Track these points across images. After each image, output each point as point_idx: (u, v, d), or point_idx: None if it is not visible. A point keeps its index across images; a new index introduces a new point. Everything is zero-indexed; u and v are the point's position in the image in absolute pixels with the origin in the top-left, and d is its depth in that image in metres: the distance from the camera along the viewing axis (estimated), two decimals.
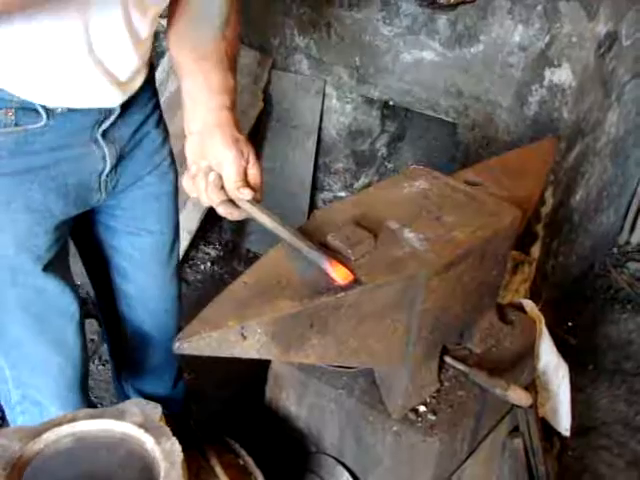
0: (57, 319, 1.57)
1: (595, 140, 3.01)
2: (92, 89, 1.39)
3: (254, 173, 1.37)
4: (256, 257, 3.63)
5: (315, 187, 3.49)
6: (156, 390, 2.00)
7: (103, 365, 2.82)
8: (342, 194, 3.46)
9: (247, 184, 1.35)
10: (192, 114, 1.44)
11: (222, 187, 1.34)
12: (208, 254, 3.69)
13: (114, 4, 1.32)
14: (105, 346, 2.74)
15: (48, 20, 1.26)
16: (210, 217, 3.49)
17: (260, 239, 3.60)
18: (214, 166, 1.36)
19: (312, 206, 3.50)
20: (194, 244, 3.55)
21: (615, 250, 3.86)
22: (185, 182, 1.39)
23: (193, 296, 3.27)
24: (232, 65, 1.50)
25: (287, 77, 3.30)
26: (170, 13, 1.53)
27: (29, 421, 1.62)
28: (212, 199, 1.34)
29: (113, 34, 1.36)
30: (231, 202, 1.35)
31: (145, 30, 1.43)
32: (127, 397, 2.00)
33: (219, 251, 3.72)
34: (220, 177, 1.34)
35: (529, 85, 2.70)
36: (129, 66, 1.45)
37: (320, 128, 3.34)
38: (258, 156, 1.41)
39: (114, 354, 2.05)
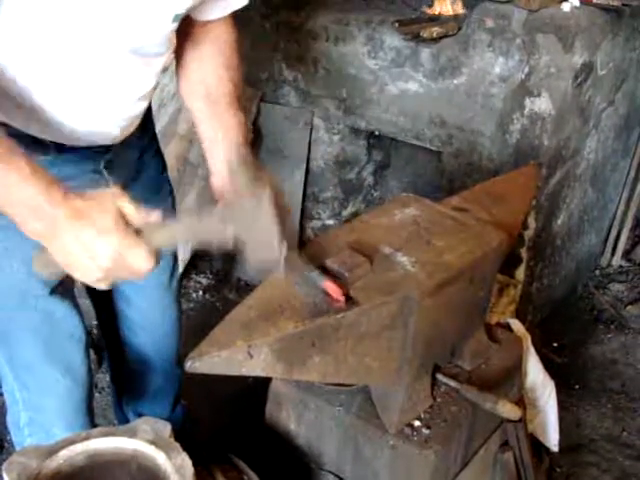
0: (65, 342, 1.62)
1: (575, 166, 3.10)
2: (97, 134, 1.48)
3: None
4: (247, 285, 3.69)
5: (304, 216, 3.56)
6: (156, 413, 2.05)
7: (99, 393, 2.87)
8: (330, 222, 3.54)
9: None
10: (213, 154, 1.53)
11: None
12: (200, 283, 3.74)
13: (120, 57, 1.40)
14: (101, 374, 2.80)
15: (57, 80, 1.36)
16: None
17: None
18: None
19: (301, 234, 3.56)
20: (186, 273, 3.60)
21: (597, 272, 3.95)
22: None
23: (186, 324, 3.32)
24: (240, 106, 1.59)
25: (276, 109, 3.38)
26: (178, 63, 1.61)
27: (36, 443, 1.67)
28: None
29: (119, 89, 1.45)
30: None
31: (150, 82, 1.51)
32: (128, 421, 2.05)
33: (210, 280, 3.77)
34: None
35: (510, 114, 2.80)
36: (132, 114, 1.53)
37: (308, 158, 3.42)
38: None
39: (115, 379, 2.11)
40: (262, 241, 1.22)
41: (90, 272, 1.19)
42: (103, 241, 1.16)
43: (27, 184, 1.16)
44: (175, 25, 1.43)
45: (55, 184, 1.18)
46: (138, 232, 1.21)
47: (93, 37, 1.31)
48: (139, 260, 1.18)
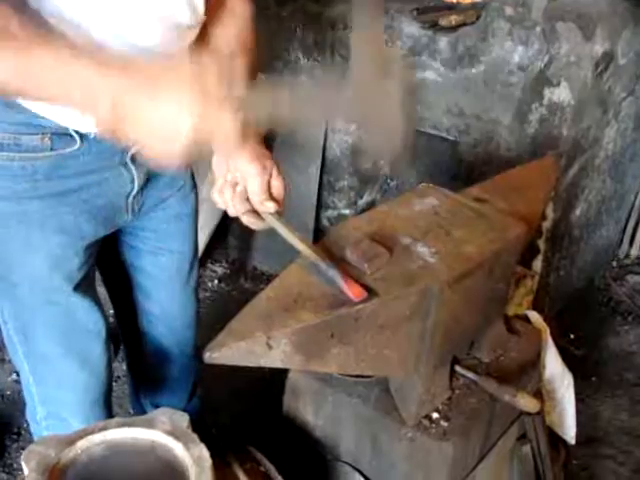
0: (85, 337, 1.62)
1: (594, 156, 3.08)
2: None
3: (277, 186, 1.44)
4: (262, 274, 3.69)
5: (320, 205, 3.55)
6: (173, 405, 2.05)
7: (115, 382, 2.88)
8: (346, 212, 3.53)
9: (270, 196, 1.42)
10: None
11: (247, 198, 1.42)
12: (215, 272, 3.75)
13: (154, 31, 1.38)
14: (116, 363, 2.81)
15: None
16: (216, 236, 3.56)
17: (266, 257, 3.66)
18: (239, 179, 1.42)
19: (317, 224, 3.56)
20: (201, 262, 3.61)
21: (615, 263, 3.93)
22: (214, 195, 1.46)
23: (202, 314, 3.32)
24: (255, 79, 1.58)
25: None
26: None
27: None
28: (238, 209, 1.41)
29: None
30: (255, 212, 1.42)
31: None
32: (144, 412, 2.06)
33: (226, 269, 3.78)
34: (245, 189, 1.41)
35: (529, 104, 2.78)
36: None
37: (324, 147, 3.41)
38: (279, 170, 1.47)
39: (132, 370, 2.11)
40: (385, 126, 1.17)
41: (173, 145, 1.11)
42: (185, 105, 1.08)
43: (77, 65, 1.09)
44: None
45: (113, 60, 1.12)
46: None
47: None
48: (225, 121, 1.11)
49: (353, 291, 1.27)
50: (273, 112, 1.17)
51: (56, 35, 1.19)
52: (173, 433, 1.29)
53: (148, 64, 1.13)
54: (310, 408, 1.66)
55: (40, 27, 1.16)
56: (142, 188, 1.61)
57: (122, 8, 1.31)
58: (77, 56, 1.10)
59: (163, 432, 1.30)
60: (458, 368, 1.61)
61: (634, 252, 3.92)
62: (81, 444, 1.28)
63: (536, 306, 2.86)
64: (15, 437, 2.64)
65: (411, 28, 2.92)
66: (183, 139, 1.09)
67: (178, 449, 1.27)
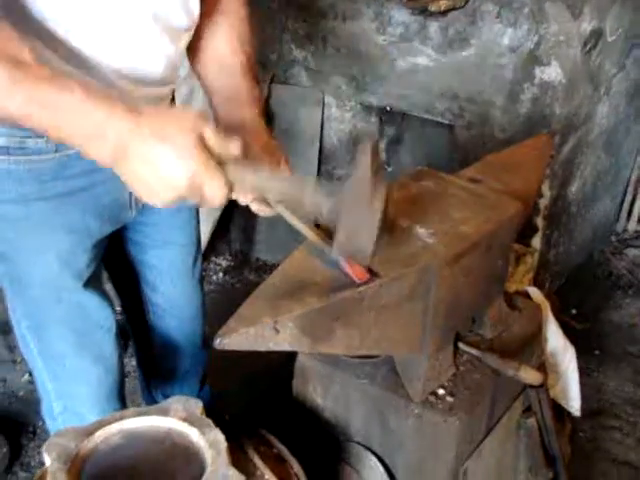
0: (96, 332, 1.66)
1: (587, 132, 3.11)
2: None
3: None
4: (265, 265, 3.73)
5: None
6: (183, 394, 2.09)
7: (125, 377, 2.92)
8: None
9: None
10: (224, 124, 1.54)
11: None
12: (219, 265, 3.78)
13: (153, 35, 1.42)
14: (126, 359, 2.85)
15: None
16: (219, 229, 3.59)
17: (268, 248, 3.70)
18: None
19: None
20: (205, 256, 3.63)
21: (614, 238, 3.97)
22: None
23: (208, 306, 3.36)
24: (255, 76, 1.61)
25: (287, 90, 3.41)
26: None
27: None
28: (247, 197, 1.45)
29: (146, 68, 1.46)
30: (263, 200, 1.46)
31: (178, 59, 1.53)
32: (156, 404, 2.09)
33: (229, 261, 3.82)
34: None
35: (521, 84, 2.81)
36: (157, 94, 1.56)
37: (322, 136, 3.45)
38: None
39: (143, 363, 2.15)
40: (360, 230, 1.23)
41: (159, 193, 1.18)
42: (181, 164, 1.14)
43: (86, 105, 1.14)
44: None
45: (120, 103, 1.16)
46: (217, 161, 1.19)
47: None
48: (214, 189, 1.18)
49: (356, 273, 1.30)
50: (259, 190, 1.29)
51: (63, 68, 1.25)
52: (188, 419, 1.32)
53: (152, 110, 1.19)
54: (319, 390, 1.70)
55: (28, 34, 1.21)
56: None
57: (115, 11, 1.34)
58: (87, 94, 1.14)
59: (178, 419, 1.33)
60: (461, 345, 1.65)
61: (632, 226, 3.96)
62: (99, 434, 1.31)
63: (537, 282, 2.91)
64: (31, 436, 2.69)
65: (401, 14, 2.95)
66: (174, 190, 1.16)
67: (194, 434, 1.30)
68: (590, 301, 3.47)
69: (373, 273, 1.32)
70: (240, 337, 1.20)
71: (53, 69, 1.17)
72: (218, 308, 3.14)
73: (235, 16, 1.64)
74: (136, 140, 1.14)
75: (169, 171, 1.14)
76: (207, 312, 2.06)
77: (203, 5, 1.52)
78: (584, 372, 2.77)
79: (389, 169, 3.63)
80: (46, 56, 1.29)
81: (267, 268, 3.69)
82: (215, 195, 1.19)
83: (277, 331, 1.23)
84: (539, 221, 3.02)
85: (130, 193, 1.60)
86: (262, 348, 1.23)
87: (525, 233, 3.00)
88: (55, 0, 1.27)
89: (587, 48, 2.74)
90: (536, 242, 3.04)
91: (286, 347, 1.26)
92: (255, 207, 1.46)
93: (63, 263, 1.53)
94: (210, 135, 1.18)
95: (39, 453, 2.56)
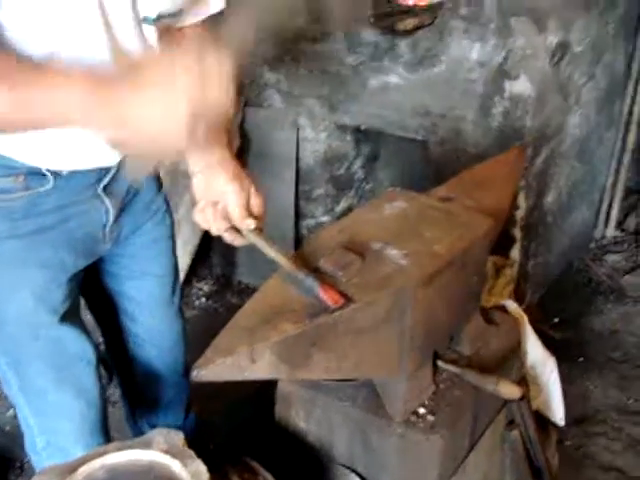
0: (76, 366, 1.66)
1: (560, 143, 3.14)
2: (92, 153, 1.49)
3: (256, 203, 1.50)
4: (248, 288, 3.73)
5: (298, 215, 3.59)
6: (169, 423, 2.09)
7: (112, 406, 2.91)
8: (325, 219, 3.57)
9: (250, 214, 1.47)
10: (193, 156, 1.54)
11: (227, 216, 1.47)
12: (201, 289, 3.78)
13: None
14: (112, 388, 2.84)
15: None
16: (200, 254, 3.59)
17: (250, 270, 3.70)
18: (219, 199, 1.48)
19: (297, 233, 3.60)
20: (187, 281, 3.63)
21: (593, 245, 3.99)
22: (196, 216, 1.51)
23: (191, 331, 3.35)
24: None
25: (260, 113, 3.42)
26: None
27: None
28: (219, 228, 1.46)
29: None
30: (236, 229, 1.47)
31: None
32: (142, 433, 2.09)
33: (211, 285, 3.81)
34: (225, 208, 1.47)
35: (491, 98, 2.84)
36: None
37: (297, 158, 3.45)
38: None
39: (127, 393, 2.14)
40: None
41: (174, 131, 1.12)
42: (177, 82, 1.09)
43: (66, 88, 1.12)
44: (148, 28, 1.44)
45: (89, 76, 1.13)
46: None
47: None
48: (215, 89, 1.12)
49: (330, 298, 1.32)
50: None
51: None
52: (170, 451, 1.33)
53: (123, 69, 1.16)
54: (301, 415, 1.71)
55: None
56: (117, 217, 1.64)
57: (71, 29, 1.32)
58: (61, 76, 1.13)
59: (160, 451, 1.34)
60: (440, 363, 1.66)
61: (610, 232, 3.98)
62: (82, 470, 1.32)
63: (517, 294, 2.93)
64: (18, 471, 2.67)
65: (370, 34, 2.97)
66: (183, 115, 1.10)
67: (175, 466, 1.31)
68: (572, 309, 3.48)
69: (347, 298, 1.33)
70: (217, 368, 1.21)
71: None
72: (201, 333, 3.13)
73: (201, 39, 1.62)
74: (126, 98, 1.11)
75: (169, 95, 1.10)
76: (189, 339, 2.06)
77: (165, 35, 1.52)
78: (568, 380, 2.78)
79: (367, 187, 3.66)
80: None
81: (249, 291, 3.69)
82: (219, 94, 1.13)
83: (253, 360, 1.24)
84: (516, 232, 3.04)
85: (103, 226, 1.62)
86: (240, 378, 1.24)
87: (504, 244, 3.02)
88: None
89: (555, 60, 2.77)
90: (515, 254, 3.07)
91: (264, 376, 1.27)
92: (228, 237, 1.47)
93: (38, 299, 1.54)
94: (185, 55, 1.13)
95: None
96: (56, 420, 1.71)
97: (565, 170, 3.30)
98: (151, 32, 1.47)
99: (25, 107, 1.13)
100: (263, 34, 1.16)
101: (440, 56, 2.87)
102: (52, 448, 1.74)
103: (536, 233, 3.22)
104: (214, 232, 1.49)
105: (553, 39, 2.71)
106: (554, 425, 2.33)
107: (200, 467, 1.29)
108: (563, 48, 2.79)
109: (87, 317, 1.91)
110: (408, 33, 2.85)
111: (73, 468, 1.32)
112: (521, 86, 2.76)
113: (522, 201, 2.99)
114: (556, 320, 3.38)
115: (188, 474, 1.28)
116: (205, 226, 1.50)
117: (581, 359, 3.17)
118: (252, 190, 1.50)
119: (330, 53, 3.11)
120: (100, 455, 1.35)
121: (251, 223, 1.46)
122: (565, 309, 3.46)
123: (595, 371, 3.11)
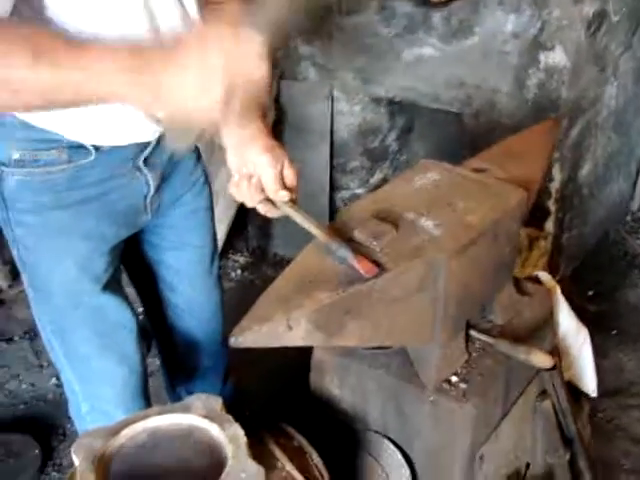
0: (118, 333, 1.71)
1: (596, 114, 3.12)
2: (132, 128, 1.53)
3: (289, 175, 1.50)
4: (283, 260, 3.76)
5: (333, 187, 3.62)
6: (207, 391, 2.13)
7: (151, 376, 2.96)
8: (360, 191, 3.59)
9: (284, 186, 1.49)
10: (227, 130, 1.55)
11: (262, 189, 1.49)
12: (237, 261, 3.82)
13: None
14: (150, 358, 2.90)
15: None
16: (236, 226, 3.63)
17: (285, 242, 3.74)
18: (253, 172, 1.49)
19: (332, 206, 3.63)
20: (223, 253, 3.67)
21: (629, 217, 3.97)
22: (231, 188, 1.53)
23: (228, 303, 3.40)
24: None
25: (296, 85, 3.44)
26: None
27: None
28: (254, 200, 1.48)
29: None
30: (270, 201, 1.50)
31: None
32: (181, 400, 2.14)
33: (247, 257, 3.85)
34: (259, 180, 1.48)
35: (526, 69, 2.83)
36: None
37: (332, 131, 3.47)
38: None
39: (166, 362, 2.19)
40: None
41: (209, 104, 1.15)
42: (210, 54, 1.12)
43: (113, 63, 1.14)
44: (189, 2, 1.46)
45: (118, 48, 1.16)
46: None
47: None
48: (250, 63, 1.16)
49: (364, 268, 1.34)
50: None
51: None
52: (208, 416, 1.37)
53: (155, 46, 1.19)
54: (336, 382, 1.74)
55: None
56: (158, 188, 1.68)
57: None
58: (107, 51, 1.15)
59: (199, 416, 1.38)
60: (473, 332, 1.68)
61: None
62: (125, 433, 1.36)
63: (551, 266, 2.93)
64: (62, 437, 2.76)
65: (405, 6, 2.97)
66: (218, 88, 1.13)
67: (214, 430, 1.34)
68: (607, 282, 3.47)
69: (381, 267, 1.36)
70: (254, 335, 1.24)
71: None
72: (238, 305, 3.18)
73: (233, 12, 1.62)
74: (161, 69, 1.14)
75: (204, 67, 1.13)
76: (225, 311, 2.10)
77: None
78: (602, 353, 2.79)
79: (401, 158, 3.66)
80: None
81: (285, 263, 3.66)
82: (256, 58, 1.16)
83: (290, 327, 1.27)
84: (551, 205, 3.03)
85: (144, 198, 1.65)
86: (276, 344, 1.27)
87: (537, 217, 3.02)
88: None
89: (591, 30, 2.75)
90: (549, 226, 3.06)
91: (300, 343, 1.30)
92: (262, 209, 1.50)
93: (81, 268, 1.58)
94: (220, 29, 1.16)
95: (69, 454, 2.62)
96: (99, 386, 1.76)
97: (601, 142, 3.27)
98: (192, 5, 1.49)
99: (71, 84, 1.15)
100: (298, 7, 1.19)
101: (474, 28, 2.86)
102: (96, 412, 1.79)
103: (571, 205, 3.21)
104: (249, 204, 1.51)
105: (589, 9, 2.68)
106: (586, 397, 2.34)
107: (238, 431, 1.33)
108: (599, 18, 2.76)
109: (128, 289, 1.96)
110: (442, 5, 2.84)
111: (116, 431, 1.36)
112: (557, 57, 2.74)
113: (557, 173, 2.98)
114: (590, 293, 3.37)
115: (226, 437, 1.32)
116: (240, 198, 1.52)
117: (615, 332, 3.17)
118: (286, 162, 1.52)
119: (364, 26, 3.11)
120: (142, 419, 1.39)
121: (285, 195, 1.48)
122: (600, 282, 3.45)
123: (629, 344, 3.11)
